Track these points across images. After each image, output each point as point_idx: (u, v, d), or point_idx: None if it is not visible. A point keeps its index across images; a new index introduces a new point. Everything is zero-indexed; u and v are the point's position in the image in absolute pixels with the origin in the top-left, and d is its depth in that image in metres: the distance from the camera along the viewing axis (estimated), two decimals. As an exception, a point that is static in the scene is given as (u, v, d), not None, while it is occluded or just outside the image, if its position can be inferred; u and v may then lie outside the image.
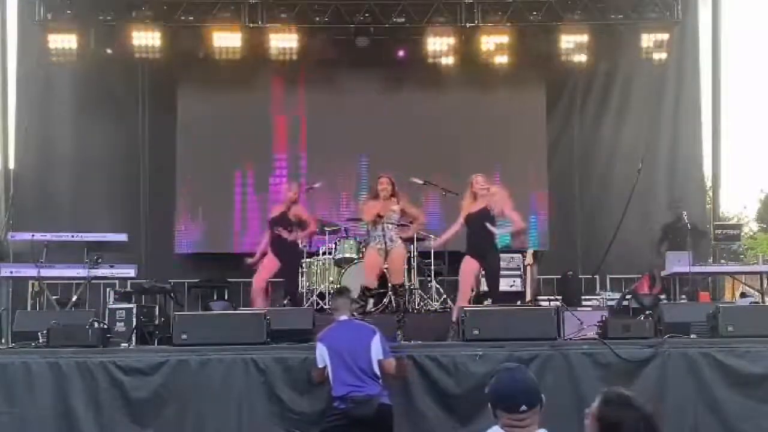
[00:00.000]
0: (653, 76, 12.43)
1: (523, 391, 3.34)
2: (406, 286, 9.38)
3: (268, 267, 9.53)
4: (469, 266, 8.52)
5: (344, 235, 10.57)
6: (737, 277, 10.87)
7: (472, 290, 8.74)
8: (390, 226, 8.68)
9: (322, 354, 6.49)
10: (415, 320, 8.96)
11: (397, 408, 6.78)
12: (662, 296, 10.17)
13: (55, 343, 7.31)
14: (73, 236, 9.55)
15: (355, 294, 9.28)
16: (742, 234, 12.20)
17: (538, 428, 3.31)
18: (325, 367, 6.49)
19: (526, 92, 12.54)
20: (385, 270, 9.09)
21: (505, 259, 10.52)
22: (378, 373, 6.42)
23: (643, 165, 10.47)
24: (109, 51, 11.73)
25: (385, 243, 8.60)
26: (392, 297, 9.04)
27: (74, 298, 9.42)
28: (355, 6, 11.48)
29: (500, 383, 3.42)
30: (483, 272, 8.86)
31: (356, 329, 6.70)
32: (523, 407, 3.28)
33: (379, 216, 8.56)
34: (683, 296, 10.11)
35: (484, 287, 10.06)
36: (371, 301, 9.46)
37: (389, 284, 9.20)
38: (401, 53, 12.17)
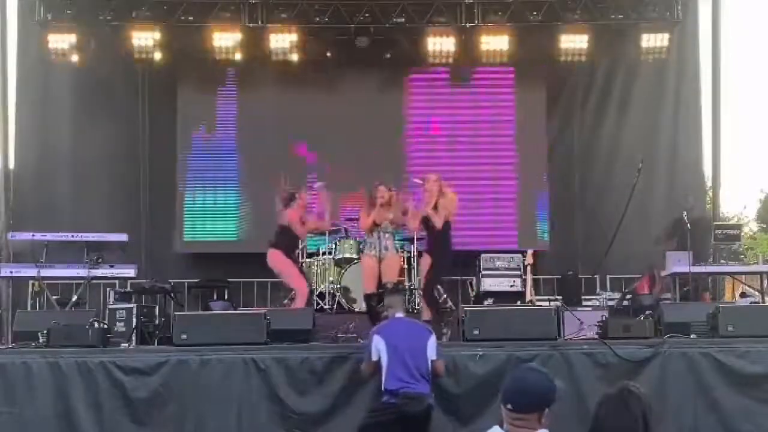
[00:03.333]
0: (653, 77, 12.41)
1: (515, 391, 3.29)
2: (406, 286, 9.37)
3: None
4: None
5: (344, 235, 10.57)
6: (737, 277, 10.85)
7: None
8: (386, 234, 8.71)
9: (378, 347, 6.50)
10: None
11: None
12: (667, 294, 10.14)
13: (55, 343, 7.32)
14: (73, 236, 9.54)
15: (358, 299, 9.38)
16: (742, 234, 12.16)
17: (539, 428, 3.30)
18: (377, 361, 6.49)
19: (526, 92, 12.53)
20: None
21: (505, 259, 10.53)
22: (430, 372, 6.47)
23: (643, 165, 10.46)
24: (111, 51, 11.74)
25: (380, 251, 8.63)
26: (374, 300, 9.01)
27: (74, 298, 9.42)
28: (355, 6, 11.47)
29: (509, 377, 3.40)
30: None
31: (414, 327, 6.78)
32: (509, 406, 3.27)
33: (375, 224, 8.60)
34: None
35: (484, 287, 10.10)
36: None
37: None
38: (388, 56, 12.12)
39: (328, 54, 12.05)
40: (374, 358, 6.52)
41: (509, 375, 3.42)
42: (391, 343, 6.45)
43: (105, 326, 7.99)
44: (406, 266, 9.94)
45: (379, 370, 6.49)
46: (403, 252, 10.11)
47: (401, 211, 9.01)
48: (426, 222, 8.83)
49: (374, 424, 6.47)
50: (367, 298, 8.83)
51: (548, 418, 3.28)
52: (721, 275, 11.06)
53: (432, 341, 6.57)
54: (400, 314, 6.84)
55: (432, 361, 6.50)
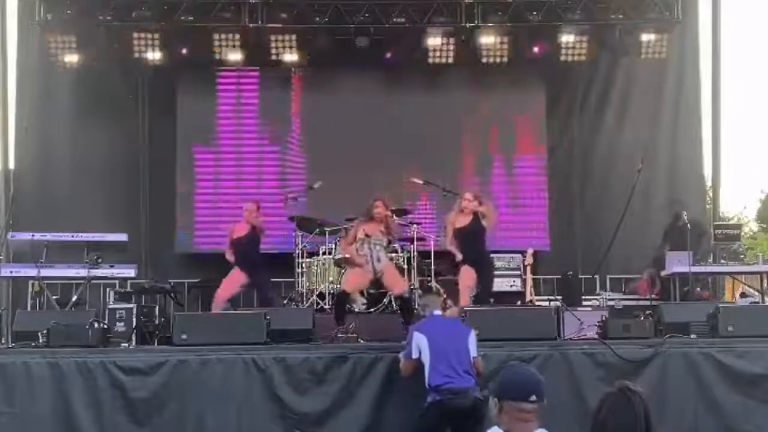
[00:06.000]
0: (653, 76, 12.42)
1: (533, 382, 3.34)
2: (408, 289, 9.31)
3: (236, 282, 9.35)
4: (468, 277, 8.67)
5: (344, 235, 10.54)
6: (737, 277, 10.85)
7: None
8: (377, 246, 8.61)
9: (419, 344, 6.48)
10: (414, 320, 8.94)
11: (398, 407, 6.81)
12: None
13: (55, 343, 7.31)
14: (73, 236, 9.54)
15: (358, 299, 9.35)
16: (742, 234, 12.16)
17: (538, 428, 3.31)
18: (418, 359, 6.47)
19: (526, 92, 12.54)
20: (379, 279, 9.00)
21: (504, 259, 10.52)
22: (473, 368, 6.46)
23: (643, 165, 10.47)
24: (111, 51, 11.75)
25: (372, 263, 8.51)
26: (401, 303, 8.94)
27: (74, 298, 9.41)
28: (355, 6, 11.47)
29: (510, 374, 3.42)
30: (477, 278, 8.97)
31: (454, 324, 6.86)
32: (533, 397, 3.28)
33: (367, 235, 8.54)
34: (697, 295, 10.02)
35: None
36: (361, 303, 9.50)
37: (393, 296, 9.17)
38: (389, 55, 12.09)
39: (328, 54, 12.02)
40: (415, 355, 6.49)
41: (509, 375, 3.42)
42: (432, 339, 6.44)
43: (105, 326, 7.99)
44: (405, 266, 9.92)
45: (421, 367, 6.47)
46: (403, 252, 10.10)
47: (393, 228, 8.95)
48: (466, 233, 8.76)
49: (425, 426, 6.44)
50: (343, 296, 8.69)
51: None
52: (721, 275, 11.06)
53: (472, 337, 6.57)
54: (437, 312, 6.83)
55: (473, 358, 6.49)
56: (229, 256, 9.49)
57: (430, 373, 6.39)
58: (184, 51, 11.84)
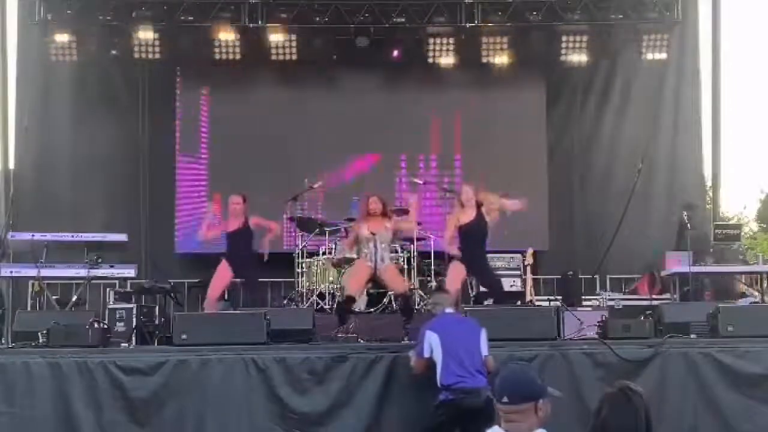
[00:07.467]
0: (653, 76, 12.43)
1: (507, 384, 3.32)
2: (410, 290, 9.29)
3: (224, 279, 9.30)
4: (457, 271, 8.52)
5: (343, 235, 10.55)
6: (737, 277, 10.85)
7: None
8: (383, 245, 8.49)
9: (431, 342, 6.42)
10: (414, 320, 8.95)
11: (398, 407, 6.81)
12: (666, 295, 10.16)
13: (55, 343, 7.31)
14: (73, 236, 9.53)
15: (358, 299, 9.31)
16: (742, 234, 12.14)
17: (538, 428, 3.30)
18: (430, 357, 6.43)
19: (526, 92, 12.54)
20: (380, 280, 8.95)
21: (504, 259, 10.52)
22: (484, 367, 6.42)
23: (643, 165, 10.47)
24: (111, 51, 11.77)
25: (375, 262, 8.39)
26: (401, 303, 8.91)
27: (74, 298, 9.42)
28: (355, 6, 11.49)
29: (499, 375, 3.44)
30: (473, 279, 8.90)
31: (465, 322, 6.77)
32: (505, 399, 3.27)
33: (372, 233, 8.47)
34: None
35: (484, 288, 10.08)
36: (365, 302, 9.49)
37: (394, 296, 9.15)
38: (396, 53, 12.09)
39: (334, 57, 12.01)
40: (426, 354, 6.45)
41: (503, 372, 3.44)
42: (444, 337, 6.40)
43: (105, 326, 7.99)
44: (405, 266, 9.92)
45: (431, 366, 6.44)
46: (403, 252, 10.11)
47: (394, 226, 8.84)
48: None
49: (436, 425, 6.41)
50: (349, 300, 8.52)
51: (544, 412, 3.27)
52: (721, 275, 11.05)
53: (484, 336, 6.52)
54: (448, 310, 6.80)
55: (484, 357, 6.45)
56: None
57: (441, 371, 6.36)
58: (184, 51, 11.85)
